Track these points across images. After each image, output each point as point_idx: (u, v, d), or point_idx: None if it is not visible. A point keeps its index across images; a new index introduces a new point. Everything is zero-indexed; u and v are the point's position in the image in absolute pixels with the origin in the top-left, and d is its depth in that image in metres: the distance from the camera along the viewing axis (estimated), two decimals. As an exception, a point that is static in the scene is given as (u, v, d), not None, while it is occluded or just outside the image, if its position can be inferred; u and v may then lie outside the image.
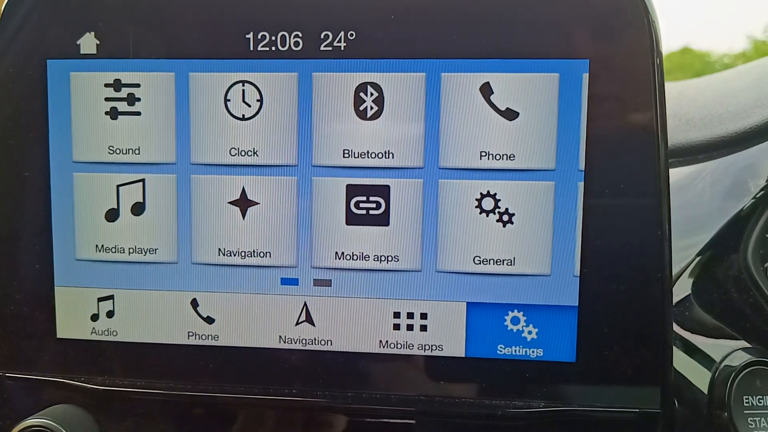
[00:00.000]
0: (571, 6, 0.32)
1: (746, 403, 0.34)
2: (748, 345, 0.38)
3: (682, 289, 0.43)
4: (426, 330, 0.35)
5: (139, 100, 0.35)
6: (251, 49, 0.34)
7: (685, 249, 0.43)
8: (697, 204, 0.44)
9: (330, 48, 0.34)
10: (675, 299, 0.42)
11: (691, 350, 0.40)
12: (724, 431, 0.34)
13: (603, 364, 0.34)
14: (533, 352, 0.34)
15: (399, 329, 0.35)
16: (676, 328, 0.41)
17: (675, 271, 0.40)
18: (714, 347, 0.39)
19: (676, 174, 0.46)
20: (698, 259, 0.43)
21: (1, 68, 0.36)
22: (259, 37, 0.34)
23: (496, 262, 0.34)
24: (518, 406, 0.34)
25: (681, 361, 0.39)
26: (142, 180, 0.36)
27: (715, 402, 0.35)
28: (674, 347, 0.35)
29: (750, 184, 0.43)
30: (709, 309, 0.42)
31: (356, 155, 0.34)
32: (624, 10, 0.32)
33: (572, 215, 0.33)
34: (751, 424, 0.33)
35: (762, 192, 0.42)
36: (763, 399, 0.34)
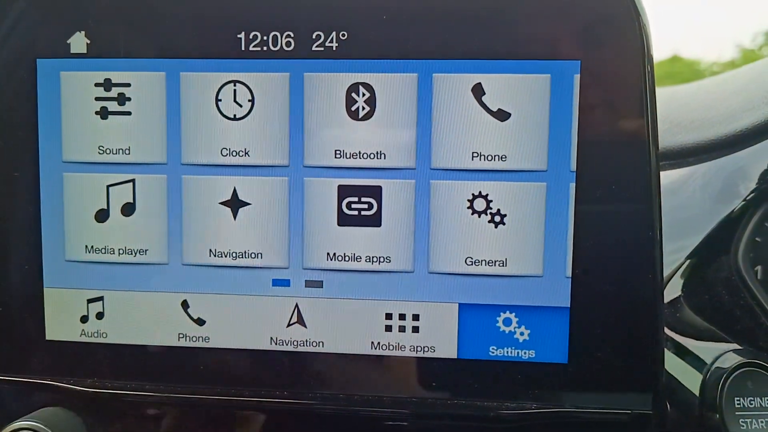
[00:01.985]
0: (562, 8, 0.32)
1: (737, 404, 0.34)
2: (740, 347, 0.38)
3: (673, 291, 0.43)
4: (418, 331, 0.35)
5: (129, 99, 0.35)
6: (243, 48, 0.34)
7: (677, 251, 0.43)
8: (688, 206, 0.44)
9: (322, 48, 0.34)
10: (666, 301, 0.42)
11: (683, 352, 0.40)
12: (715, 433, 0.34)
13: (595, 366, 0.34)
14: (525, 353, 0.34)
15: (391, 330, 0.35)
16: (667, 330, 0.41)
17: (666, 273, 0.41)
18: (705, 349, 0.39)
19: (666, 177, 0.46)
20: (689, 261, 0.43)
21: (-10, 67, 0.36)
22: (251, 36, 0.34)
23: (488, 263, 0.34)
24: (510, 408, 0.34)
25: (672, 363, 0.39)
26: (133, 180, 0.35)
27: (706, 403, 0.35)
28: (665, 349, 0.35)
29: (740, 186, 0.43)
30: (700, 311, 0.42)
31: (348, 156, 0.34)
32: (615, 12, 0.32)
33: (564, 216, 0.33)
34: (743, 426, 0.33)
35: (752, 195, 0.42)
36: (754, 400, 0.34)
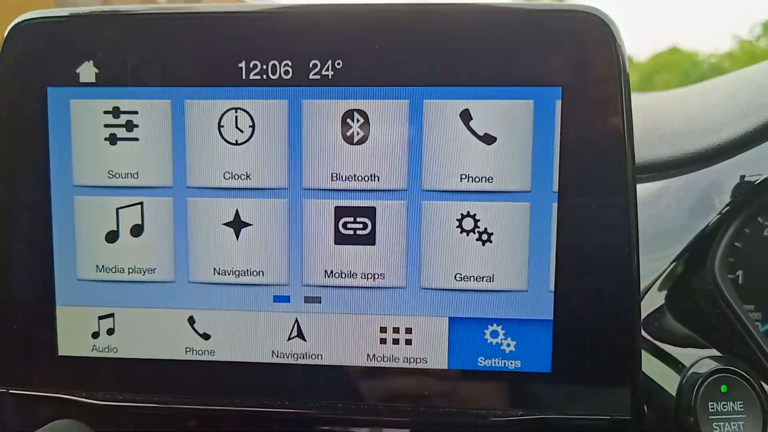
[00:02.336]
0: (544, 37, 0.34)
1: (711, 408, 0.35)
2: (718, 353, 0.40)
3: (656, 300, 0.45)
4: (411, 344, 0.36)
5: (137, 126, 0.36)
6: (243, 77, 0.36)
7: (658, 261, 0.45)
8: (664, 219, 0.46)
9: (318, 76, 0.35)
10: (648, 310, 0.44)
11: (664, 358, 0.41)
12: (690, 436, 0.35)
13: (576, 375, 0.35)
14: (511, 363, 0.36)
15: (385, 343, 0.36)
16: (651, 338, 0.42)
17: (645, 283, 0.42)
18: (686, 355, 0.41)
19: (645, 189, 0.47)
20: (668, 272, 0.44)
21: (3, 95, 0.37)
22: (251, 65, 0.36)
23: (476, 278, 0.36)
24: (498, 415, 0.36)
25: (655, 369, 0.40)
26: (141, 203, 0.37)
27: (682, 407, 0.36)
28: (648, 355, 0.36)
29: (715, 200, 0.44)
30: (681, 319, 0.44)
31: (344, 178, 0.36)
32: (592, 40, 0.34)
33: (547, 234, 0.35)
34: (716, 428, 0.34)
35: (727, 208, 0.44)
36: (727, 405, 0.35)
